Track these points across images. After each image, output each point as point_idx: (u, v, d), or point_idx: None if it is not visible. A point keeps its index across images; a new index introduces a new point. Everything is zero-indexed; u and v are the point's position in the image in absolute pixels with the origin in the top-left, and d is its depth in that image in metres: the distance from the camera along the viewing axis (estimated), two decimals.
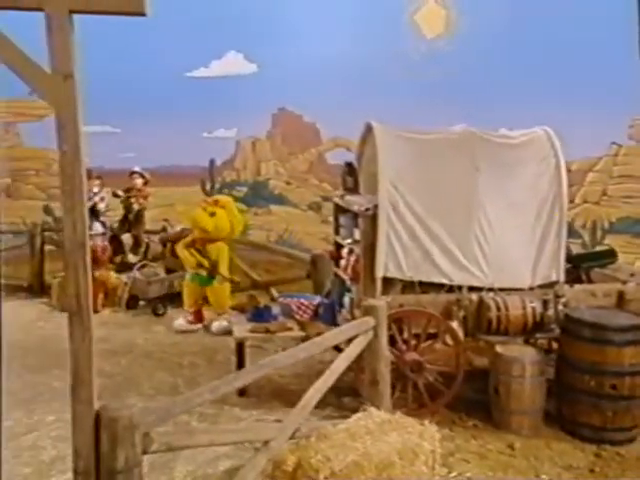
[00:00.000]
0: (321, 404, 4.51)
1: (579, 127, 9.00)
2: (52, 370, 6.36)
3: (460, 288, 5.67)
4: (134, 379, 6.37)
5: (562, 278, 5.82)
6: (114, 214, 10.06)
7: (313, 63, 10.84)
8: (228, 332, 7.14)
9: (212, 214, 7.74)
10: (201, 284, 7.91)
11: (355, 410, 4.46)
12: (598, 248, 10.05)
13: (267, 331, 6.03)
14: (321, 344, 4.51)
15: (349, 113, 9.70)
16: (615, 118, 10.04)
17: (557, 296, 5.64)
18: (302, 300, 6.42)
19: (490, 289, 5.66)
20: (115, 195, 9.82)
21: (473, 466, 4.66)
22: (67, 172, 2.81)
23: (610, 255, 6.70)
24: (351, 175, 6.64)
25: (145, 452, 3.07)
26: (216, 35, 11.08)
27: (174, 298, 8.93)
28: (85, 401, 2.95)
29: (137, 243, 9.81)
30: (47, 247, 10.01)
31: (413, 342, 5.49)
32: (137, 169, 9.83)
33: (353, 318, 5.56)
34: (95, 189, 9.50)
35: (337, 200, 6.76)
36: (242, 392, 5.71)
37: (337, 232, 6.84)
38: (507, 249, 5.74)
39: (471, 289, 5.67)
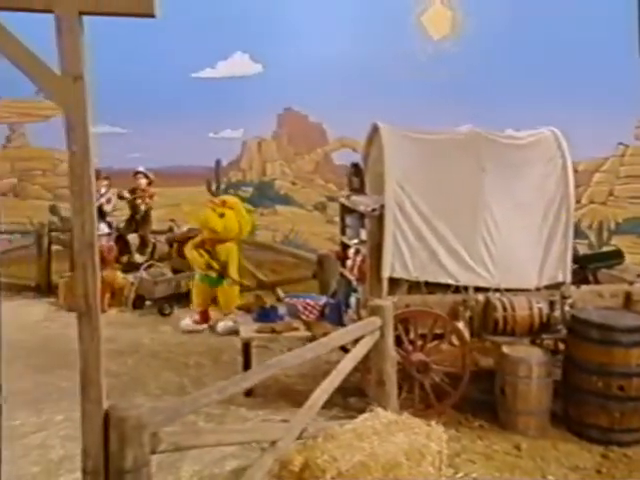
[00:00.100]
0: (328, 404, 4.51)
1: (586, 127, 9.00)
2: (59, 370, 6.38)
3: (466, 289, 5.67)
4: (140, 379, 6.39)
5: (569, 279, 5.81)
6: (120, 214, 10.09)
7: (319, 63, 10.85)
8: (234, 332, 7.15)
9: (221, 215, 7.76)
10: (211, 285, 7.93)
11: (362, 410, 4.46)
12: (605, 249, 10.03)
13: (273, 331, 6.04)
14: (328, 344, 4.52)
15: (355, 113, 9.71)
16: (622, 118, 10.02)
17: (564, 297, 5.63)
18: (308, 300, 6.43)
19: (496, 290, 5.65)
20: (121, 197, 9.85)
21: (479, 467, 4.66)
22: (76, 173, 2.83)
23: (617, 256, 6.68)
24: (357, 175, 6.64)
25: (153, 452, 3.08)
26: (222, 36, 11.11)
27: (180, 298, 8.97)
28: (94, 401, 2.97)
29: (144, 243, 9.84)
30: (54, 247, 10.06)
31: (419, 342, 5.48)
32: (141, 169, 9.85)
33: (359, 318, 5.57)
34: (102, 190, 9.53)
35: (343, 200, 6.76)
36: (248, 392, 5.70)
37: (343, 232, 6.85)
38: (514, 249, 5.73)
39: (477, 289, 5.67)
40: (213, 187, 12.15)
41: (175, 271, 9.26)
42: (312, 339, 5.56)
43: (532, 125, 6.28)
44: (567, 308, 5.56)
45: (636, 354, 4.96)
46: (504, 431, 5.20)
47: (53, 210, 12.20)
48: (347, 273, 6.40)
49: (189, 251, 8.04)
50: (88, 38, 2.88)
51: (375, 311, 4.83)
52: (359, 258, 6.06)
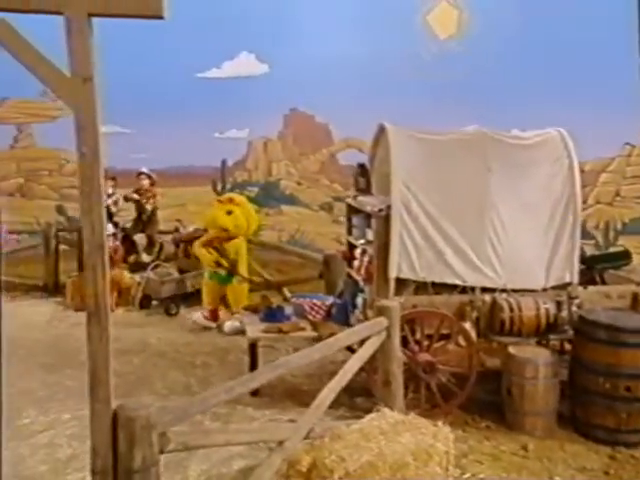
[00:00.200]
0: (334, 404, 4.51)
1: (592, 127, 8.98)
2: (66, 369, 6.43)
3: (473, 289, 5.66)
4: (147, 378, 6.41)
5: (576, 279, 5.80)
6: (127, 214, 10.12)
7: (325, 63, 10.86)
8: (240, 332, 7.16)
9: (229, 212, 7.80)
10: (220, 282, 7.96)
11: (368, 410, 4.46)
12: (612, 249, 10.01)
13: (280, 331, 6.04)
14: (334, 345, 4.52)
15: (361, 114, 9.72)
16: (628, 118, 10.00)
17: (571, 297, 5.62)
18: (315, 300, 6.44)
19: (503, 290, 5.64)
20: (127, 199, 9.87)
21: (486, 467, 4.66)
22: (86, 174, 2.84)
23: (624, 256, 6.67)
24: (364, 176, 6.64)
25: (162, 452, 3.09)
26: (228, 36, 11.12)
27: (186, 298, 9.00)
28: (103, 400, 2.98)
29: (151, 243, 9.87)
30: (61, 247, 10.11)
31: (426, 343, 5.48)
32: (144, 170, 9.88)
33: (366, 319, 5.57)
34: (109, 190, 9.56)
35: (350, 201, 6.77)
36: (255, 392, 5.70)
37: (350, 232, 6.85)
38: (520, 250, 5.72)
39: (484, 290, 5.66)
40: (219, 187, 12.18)
41: (181, 271, 9.29)
42: (319, 339, 5.57)
43: (538, 125, 6.27)
44: (574, 309, 5.55)
45: None
46: (511, 432, 5.19)
47: (60, 210, 12.25)
48: (354, 273, 6.41)
49: (197, 249, 8.08)
50: (97, 40, 2.90)
51: (382, 311, 4.83)
52: (366, 258, 6.06)
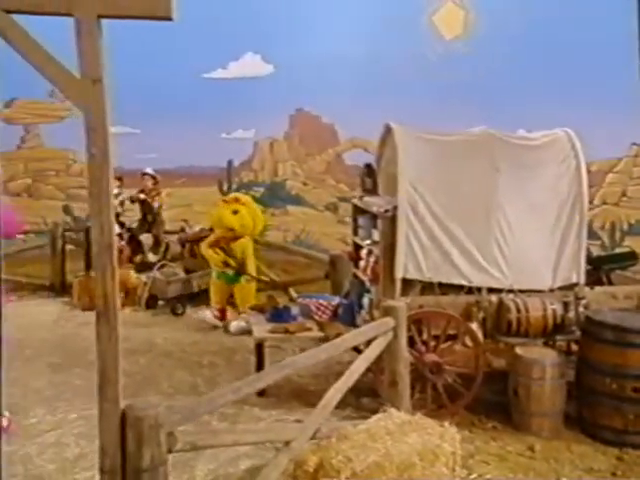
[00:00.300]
0: (340, 404, 4.52)
1: (599, 128, 8.96)
2: (73, 368, 6.46)
3: (480, 289, 5.66)
4: (153, 378, 6.42)
5: (583, 280, 5.78)
6: (132, 214, 10.15)
7: (330, 64, 10.87)
8: (246, 332, 7.18)
9: (235, 212, 7.82)
10: (228, 282, 7.98)
11: (374, 411, 4.46)
12: (618, 250, 9.98)
13: (286, 331, 6.06)
14: (341, 345, 4.53)
15: (366, 114, 9.73)
16: (635, 119, 9.97)
17: (578, 298, 5.61)
18: (321, 301, 6.45)
19: (510, 291, 5.64)
20: (133, 201, 9.90)
21: (493, 468, 4.65)
22: (95, 175, 2.85)
23: (631, 257, 6.66)
24: (370, 176, 6.65)
25: (170, 451, 3.10)
26: (233, 37, 11.16)
27: (193, 298, 9.03)
28: (111, 400, 2.99)
29: (157, 243, 9.89)
30: (68, 247, 10.14)
31: (432, 343, 5.48)
32: (148, 170, 9.90)
33: (372, 319, 5.57)
34: (115, 190, 9.59)
35: (356, 201, 6.78)
36: (261, 392, 5.71)
37: (356, 233, 6.86)
38: (527, 250, 5.71)
39: (491, 291, 5.66)
40: (225, 187, 12.21)
41: (187, 271, 9.31)
42: (325, 340, 5.58)
43: (545, 126, 6.26)
44: (581, 309, 5.54)
45: None
46: (517, 432, 5.18)
47: (66, 210, 12.30)
48: (360, 274, 6.41)
49: (204, 250, 8.10)
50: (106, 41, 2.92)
51: (388, 312, 4.83)
52: (372, 259, 6.06)
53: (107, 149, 2.84)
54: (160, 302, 9.03)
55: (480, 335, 5.51)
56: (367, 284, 6.19)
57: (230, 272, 7.89)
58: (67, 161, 12.25)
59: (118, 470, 3.00)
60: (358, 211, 6.72)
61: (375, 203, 6.00)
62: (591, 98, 9.94)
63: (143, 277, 9.10)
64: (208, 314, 8.20)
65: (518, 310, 5.45)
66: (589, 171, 6.00)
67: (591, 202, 9.60)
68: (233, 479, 4.48)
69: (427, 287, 5.66)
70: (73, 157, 12.10)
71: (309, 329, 6.16)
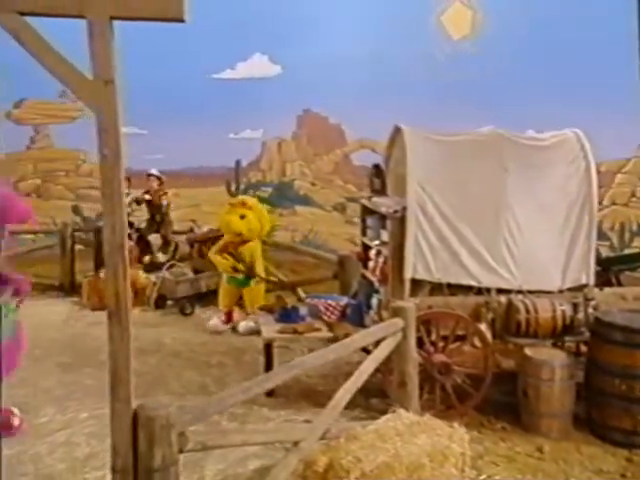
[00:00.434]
0: (349, 405, 4.52)
1: (608, 128, 8.92)
2: (83, 368, 6.49)
3: (489, 290, 5.65)
4: (163, 378, 6.45)
5: (592, 281, 5.76)
6: (141, 214, 10.19)
7: (338, 64, 10.88)
8: (255, 332, 7.20)
9: (242, 216, 7.82)
10: (238, 286, 8.00)
11: (383, 411, 4.46)
12: (627, 251, 9.94)
13: (295, 332, 6.07)
14: (350, 345, 4.54)
15: (374, 114, 9.74)
16: None
17: (587, 299, 5.59)
18: (329, 301, 6.45)
19: (519, 291, 5.63)
20: (139, 202, 9.93)
21: (502, 469, 4.65)
22: (107, 176, 2.87)
23: None
24: (378, 177, 6.65)
25: (181, 451, 3.12)
26: (241, 37, 11.18)
27: (201, 298, 9.05)
28: (123, 400, 3.01)
29: (166, 243, 9.92)
30: (77, 247, 10.19)
31: (441, 344, 5.48)
32: (153, 171, 9.92)
33: (381, 319, 5.57)
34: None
35: (364, 202, 6.78)
36: (270, 392, 5.72)
37: (364, 233, 6.86)
38: (536, 251, 5.70)
39: (500, 291, 5.65)
40: (233, 187, 12.23)
41: (196, 271, 9.34)
42: (333, 340, 5.58)
43: (553, 126, 6.24)
44: (590, 310, 5.52)
45: None
46: (527, 433, 5.17)
47: (75, 210, 12.36)
48: (369, 274, 6.41)
49: (213, 256, 8.09)
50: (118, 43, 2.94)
51: (397, 312, 4.83)
52: (381, 259, 6.06)
53: (119, 150, 2.85)
54: (169, 302, 9.06)
55: (489, 336, 5.50)
56: (376, 285, 6.19)
57: (240, 277, 7.89)
58: (77, 161, 12.31)
59: (130, 470, 3.02)
60: (367, 211, 6.72)
61: (384, 204, 6.00)
62: (600, 98, 9.90)
63: (152, 277, 9.13)
64: (215, 321, 8.14)
65: (527, 311, 5.44)
66: (598, 171, 5.98)
67: (600, 203, 9.55)
68: (242, 479, 4.50)
69: (436, 288, 5.65)
70: (83, 157, 12.15)
71: (318, 329, 6.16)
